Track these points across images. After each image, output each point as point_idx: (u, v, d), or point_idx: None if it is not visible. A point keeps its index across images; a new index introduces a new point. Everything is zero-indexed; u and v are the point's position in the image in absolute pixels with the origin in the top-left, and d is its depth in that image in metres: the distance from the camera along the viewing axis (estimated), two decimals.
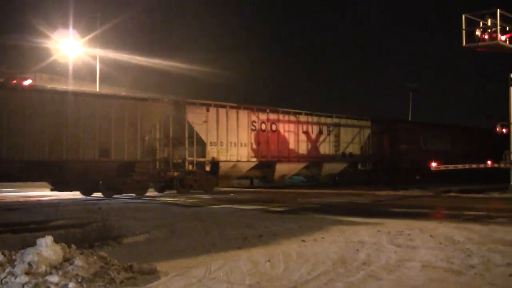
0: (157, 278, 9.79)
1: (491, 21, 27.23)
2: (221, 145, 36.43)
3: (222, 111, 36.81)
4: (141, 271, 9.94)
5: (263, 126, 39.40)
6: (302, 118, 42.52)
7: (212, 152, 35.87)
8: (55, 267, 9.27)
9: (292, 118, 41.76)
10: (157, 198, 30.42)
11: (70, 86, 41.68)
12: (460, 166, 37.99)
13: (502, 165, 33.38)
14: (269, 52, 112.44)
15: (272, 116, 40.13)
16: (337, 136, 45.12)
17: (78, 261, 9.46)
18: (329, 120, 44.73)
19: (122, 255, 11.28)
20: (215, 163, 36.21)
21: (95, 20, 49.47)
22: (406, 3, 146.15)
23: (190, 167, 34.90)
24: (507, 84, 32.90)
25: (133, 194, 32.01)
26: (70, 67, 47.20)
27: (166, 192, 35.04)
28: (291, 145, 41.28)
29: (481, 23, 27.62)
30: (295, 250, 12.30)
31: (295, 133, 41.67)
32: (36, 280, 8.80)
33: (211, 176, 36.24)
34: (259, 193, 35.22)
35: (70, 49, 47.91)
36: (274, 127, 40.16)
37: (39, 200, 28.63)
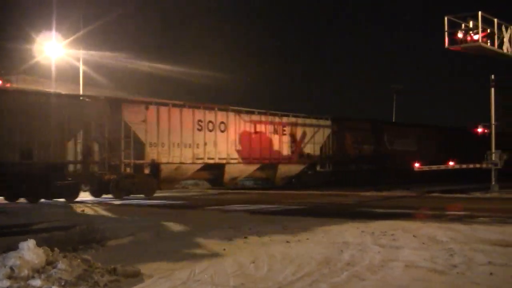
0: (141, 281, 9.78)
1: (472, 23, 27.41)
2: (162, 146, 34.08)
3: (163, 109, 34.50)
4: (125, 274, 9.92)
5: (210, 126, 37.07)
6: (255, 117, 40.43)
7: (152, 153, 33.55)
8: (37, 271, 9.24)
9: (244, 117, 39.67)
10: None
11: (52, 88, 41.57)
12: (442, 167, 38.11)
13: (484, 166, 33.55)
14: (259, 53, 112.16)
15: (221, 115, 37.97)
16: (294, 136, 42.89)
17: (61, 265, 9.44)
18: (285, 119, 42.55)
19: (106, 258, 11.26)
20: (155, 165, 33.94)
21: (79, 21, 49.47)
22: (390, 4, 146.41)
23: (128, 169, 32.55)
24: (489, 85, 33.13)
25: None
26: (53, 69, 46.99)
27: (104, 196, 32.75)
28: (242, 146, 39.02)
29: (463, 25, 27.78)
30: (279, 251, 12.31)
31: (246, 133, 39.47)
32: (18, 284, 8.77)
33: (152, 179, 33.94)
34: (245, 194, 35.22)
35: (52, 51, 47.72)
36: (223, 127, 37.88)
37: (21, 203, 28.45)
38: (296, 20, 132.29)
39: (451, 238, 13.84)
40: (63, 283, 8.91)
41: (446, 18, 27.71)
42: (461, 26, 27.83)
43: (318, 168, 45.21)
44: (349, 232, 15.23)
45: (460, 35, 27.59)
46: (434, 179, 42.74)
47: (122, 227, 16.44)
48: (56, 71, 47.21)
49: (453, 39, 28.00)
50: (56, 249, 10.24)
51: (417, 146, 53.72)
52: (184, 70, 61.72)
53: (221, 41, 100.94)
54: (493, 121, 32.93)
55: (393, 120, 72.59)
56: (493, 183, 32.75)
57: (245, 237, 14.61)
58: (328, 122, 46.09)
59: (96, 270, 9.74)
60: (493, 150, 32.89)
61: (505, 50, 28.85)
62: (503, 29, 28.73)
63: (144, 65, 57.35)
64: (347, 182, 44.25)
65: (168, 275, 10.15)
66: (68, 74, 50.23)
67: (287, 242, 13.70)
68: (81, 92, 44.21)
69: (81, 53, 48.88)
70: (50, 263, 9.57)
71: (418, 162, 38.92)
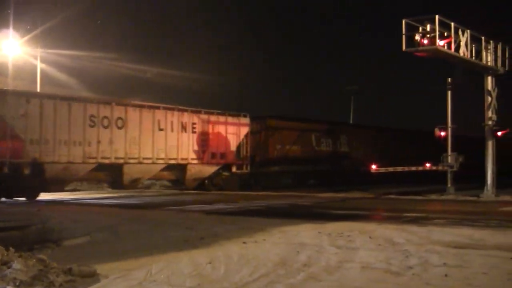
0: (97, 281, 9.74)
1: (430, 26, 27.64)
2: (46, 144, 30.02)
3: (48, 103, 30.49)
4: (81, 274, 9.86)
5: (106, 122, 32.89)
6: (160, 113, 36.10)
7: (33, 151, 29.58)
8: None
9: (147, 113, 35.29)
10: None
11: (9, 86, 41.10)
12: (399, 169, 38.25)
13: (440, 168, 33.87)
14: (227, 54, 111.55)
15: (119, 110, 33.66)
16: (205, 134, 38.75)
17: (16, 264, 9.35)
18: (195, 117, 38.34)
19: (62, 258, 11.18)
20: (38, 165, 29.91)
21: (40, 19, 49.09)
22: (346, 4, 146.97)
23: (5, 169, 28.58)
24: (446, 88, 33.51)
25: None
26: (10, 67, 46.51)
27: None
28: (144, 144, 34.76)
29: (420, 28, 28.01)
30: (236, 252, 12.33)
31: (149, 130, 35.21)
32: None
33: (34, 180, 29.80)
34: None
35: (9, 48, 47.28)
36: (120, 123, 33.55)
37: None
38: (256, 21, 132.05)
39: (407, 240, 13.98)
40: (18, 283, 8.82)
41: (403, 21, 27.92)
42: (418, 29, 28.05)
43: (234, 169, 41.09)
44: (306, 233, 15.30)
45: (417, 38, 27.80)
46: (371, 181, 42.33)
47: (79, 227, 16.34)
48: (17, 70, 46.80)
49: (410, 42, 28.21)
50: (11, 248, 10.15)
51: (348, 148, 51.18)
52: (158, 71, 61.33)
53: (196, 39, 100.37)
54: (449, 124, 33.29)
55: (351, 122, 72.78)
56: (449, 185, 33.08)
57: (202, 238, 14.61)
58: (246, 120, 41.96)
59: (52, 270, 9.67)
60: (449, 152, 33.23)
61: (461, 54, 29.15)
62: (460, 33, 29.04)
63: (116, 66, 56.88)
64: (268, 185, 42.15)
65: (125, 275, 10.12)
66: (31, 73, 49.73)
67: (244, 242, 13.72)
68: (38, 90, 43.84)
69: (39, 51, 48.55)
70: (5, 263, 9.47)
71: (375, 164, 38.67)
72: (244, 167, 41.45)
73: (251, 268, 10.68)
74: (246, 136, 41.70)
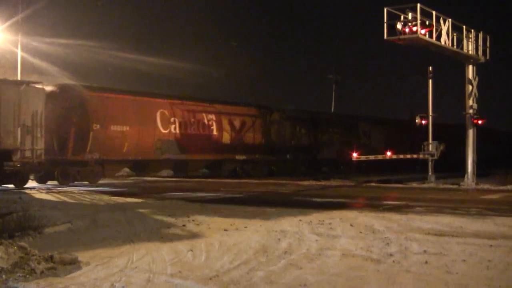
0: (79, 268, 9.72)
1: (411, 15, 27.70)
2: None
3: None
4: (62, 261, 9.84)
5: None
6: None
7: None
8: None
9: None
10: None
11: None
12: (380, 157, 38.27)
13: (421, 156, 33.98)
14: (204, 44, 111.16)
15: None
16: None
17: None
18: None
19: (43, 245, 11.18)
20: None
21: (21, 5, 48.56)
22: None
23: None
24: (427, 77, 33.61)
25: None
26: None
27: None
28: None
29: (402, 17, 28.07)
30: (217, 240, 12.35)
31: None
32: None
33: None
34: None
35: None
36: None
37: None
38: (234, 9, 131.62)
39: (387, 228, 14.06)
40: None
41: (385, 10, 27.97)
42: (400, 17, 28.11)
43: (16, 157, 27.80)
44: (287, 221, 15.33)
45: (399, 26, 27.85)
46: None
47: (59, 215, 16.28)
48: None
49: (392, 31, 28.24)
50: None
51: (218, 131, 39.23)
52: (144, 59, 60.68)
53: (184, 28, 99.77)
54: (430, 113, 33.39)
55: (332, 111, 72.46)
56: (430, 173, 33.19)
57: (183, 225, 14.61)
58: (40, 91, 29.09)
59: (33, 258, 9.64)
60: (430, 141, 33.32)
61: (442, 43, 29.24)
62: (441, 21, 29.13)
63: (104, 54, 56.31)
64: (82, 177, 32.64)
65: (106, 263, 10.12)
66: (12, 60, 49.29)
67: (225, 230, 13.74)
68: (19, 78, 43.44)
69: (19, 38, 48.15)
70: None
71: (356, 152, 38.52)
72: (34, 154, 28.52)
73: (232, 256, 10.71)
74: (40, 112, 28.51)
